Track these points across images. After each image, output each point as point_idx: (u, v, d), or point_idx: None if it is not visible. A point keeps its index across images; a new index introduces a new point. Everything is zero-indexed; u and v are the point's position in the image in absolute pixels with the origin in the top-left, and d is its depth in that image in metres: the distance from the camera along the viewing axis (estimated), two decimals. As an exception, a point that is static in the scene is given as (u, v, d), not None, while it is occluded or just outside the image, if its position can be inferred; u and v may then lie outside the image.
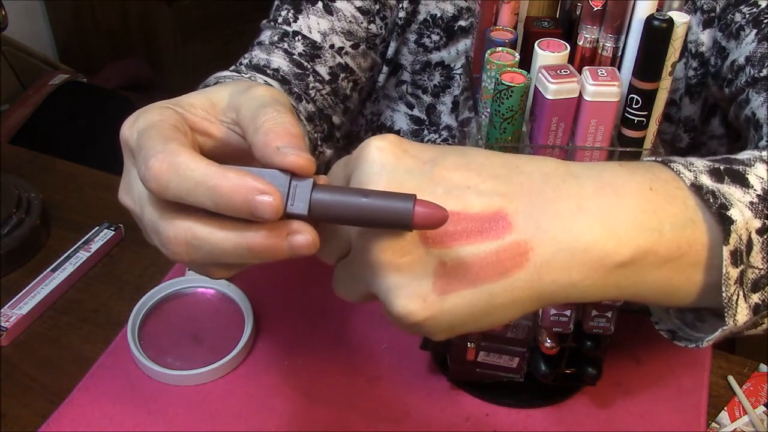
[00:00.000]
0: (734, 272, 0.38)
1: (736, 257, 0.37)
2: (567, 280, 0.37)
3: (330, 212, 0.36)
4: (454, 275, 0.37)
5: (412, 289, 0.36)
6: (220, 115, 0.43)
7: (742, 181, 0.40)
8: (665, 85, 0.51)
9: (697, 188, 0.38)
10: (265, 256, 0.37)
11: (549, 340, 0.59)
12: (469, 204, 0.37)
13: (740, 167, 0.40)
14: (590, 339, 0.60)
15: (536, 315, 0.59)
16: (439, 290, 0.37)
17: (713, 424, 0.65)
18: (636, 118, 0.51)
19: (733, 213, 0.37)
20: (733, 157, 0.42)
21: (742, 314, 0.39)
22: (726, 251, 0.37)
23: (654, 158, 0.41)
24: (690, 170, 0.39)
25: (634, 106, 0.51)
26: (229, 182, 0.35)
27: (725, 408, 0.66)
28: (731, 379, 0.68)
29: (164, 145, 0.37)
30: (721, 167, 0.40)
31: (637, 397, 0.66)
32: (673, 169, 0.39)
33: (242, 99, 0.41)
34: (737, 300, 0.38)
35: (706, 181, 0.39)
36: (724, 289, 0.38)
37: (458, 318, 0.37)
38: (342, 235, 0.39)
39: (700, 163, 0.40)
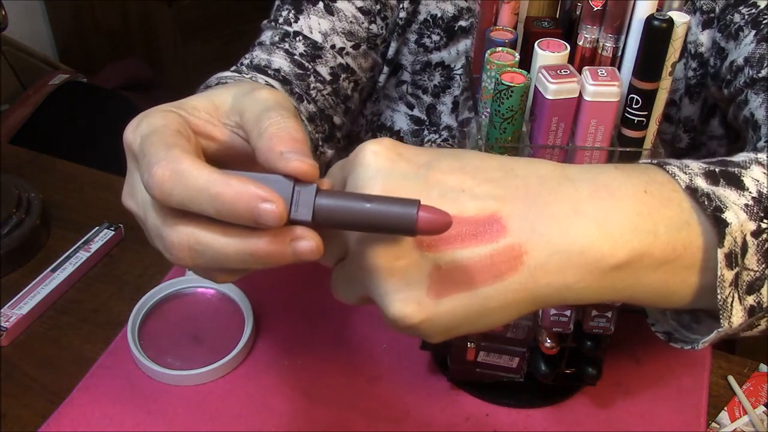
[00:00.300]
0: (729, 275, 0.38)
1: (731, 260, 0.38)
2: (562, 282, 0.37)
3: (333, 218, 0.36)
4: (448, 279, 0.37)
5: (407, 292, 0.37)
6: (224, 118, 0.43)
7: (737, 184, 0.40)
8: (665, 85, 0.51)
9: (692, 191, 0.38)
10: (269, 261, 0.37)
11: (549, 340, 0.59)
12: (463, 207, 0.37)
13: (736, 169, 0.41)
14: (590, 339, 0.60)
15: (536, 315, 0.59)
16: (433, 294, 0.37)
17: (713, 424, 0.65)
18: (636, 118, 0.51)
19: (728, 215, 0.38)
20: (728, 159, 0.42)
21: (737, 316, 0.39)
22: (721, 254, 0.37)
23: (650, 161, 0.41)
24: (685, 173, 0.39)
25: (634, 106, 0.51)
26: (232, 190, 0.35)
27: (725, 408, 0.66)
28: (731, 379, 0.68)
29: (167, 152, 0.37)
30: (717, 170, 0.40)
31: (637, 397, 0.66)
32: (668, 172, 0.40)
33: (246, 102, 0.41)
34: (732, 302, 0.38)
35: (701, 183, 0.39)
36: (719, 292, 0.38)
37: (453, 321, 0.38)
38: (340, 238, 0.39)
39: (696, 166, 0.40)
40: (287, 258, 0.36)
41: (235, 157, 0.43)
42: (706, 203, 0.38)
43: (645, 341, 0.70)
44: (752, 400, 0.66)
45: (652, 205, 0.38)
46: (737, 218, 0.38)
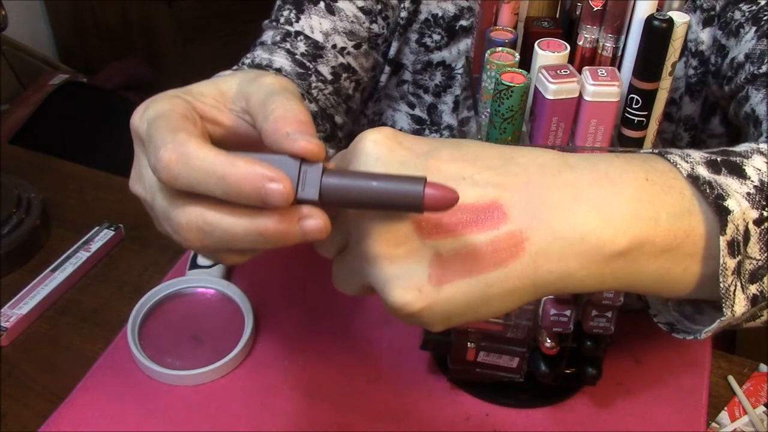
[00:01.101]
0: (731, 263, 0.38)
1: (734, 248, 0.38)
2: (563, 269, 0.37)
3: (340, 197, 0.36)
4: (449, 265, 0.37)
5: (407, 280, 0.37)
6: (230, 104, 0.43)
7: (739, 173, 0.40)
8: (665, 85, 0.51)
9: (693, 179, 0.38)
10: (277, 241, 0.37)
11: (549, 340, 0.59)
12: (464, 195, 0.37)
13: (737, 159, 0.41)
14: (590, 339, 0.60)
15: (536, 315, 0.59)
16: (434, 281, 0.37)
17: (713, 424, 0.65)
18: (636, 118, 0.51)
19: (729, 203, 0.38)
20: (730, 149, 0.42)
21: (740, 305, 0.39)
22: (723, 241, 0.37)
23: (651, 150, 0.41)
24: (687, 161, 0.39)
25: (634, 106, 0.51)
26: (239, 171, 0.35)
27: (725, 408, 0.66)
28: (731, 379, 0.68)
29: (173, 136, 0.37)
30: (719, 159, 0.40)
31: (637, 397, 0.66)
32: (669, 161, 0.40)
33: (252, 87, 0.41)
34: (735, 291, 0.38)
35: (703, 172, 0.39)
36: (721, 280, 0.38)
37: (455, 308, 0.37)
38: (340, 228, 0.39)
39: (697, 155, 0.40)
40: (295, 237, 0.37)
41: (241, 142, 0.43)
42: (707, 191, 0.38)
43: (645, 341, 0.70)
44: (752, 400, 0.66)
45: (653, 193, 0.38)
46: (739, 206, 0.38)
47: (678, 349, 0.70)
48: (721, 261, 0.37)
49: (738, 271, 0.38)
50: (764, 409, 0.66)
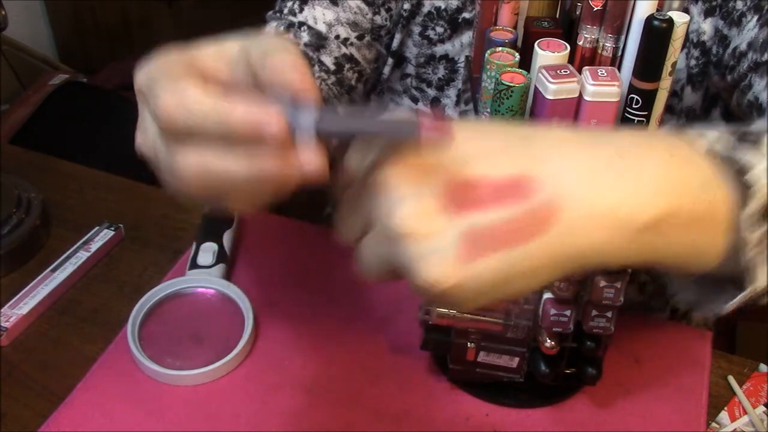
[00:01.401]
0: (756, 234, 0.38)
1: (758, 219, 0.38)
2: (590, 243, 0.37)
3: (336, 129, 0.37)
4: (478, 242, 0.37)
5: (437, 257, 0.36)
6: (232, 63, 0.43)
7: (757, 147, 0.41)
8: (665, 85, 0.51)
9: (714, 153, 0.39)
10: (277, 180, 0.37)
11: (549, 340, 0.59)
12: (489, 171, 0.37)
13: (754, 134, 0.42)
14: (590, 339, 0.60)
15: (536, 315, 0.59)
16: (463, 258, 0.36)
17: (713, 424, 0.65)
18: (636, 118, 0.51)
19: (751, 176, 0.39)
20: (744, 127, 0.43)
21: (763, 276, 0.40)
22: (746, 213, 0.38)
23: (668, 130, 0.42)
24: (706, 138, 0.41)
25: (634, 106, 0.51)
26: (237, 111, 0.36)
27: (725, 408, 0.66)
28: (731, 379, 0.68)
29: (173, 84, 0.38)
30: (735, 135, 0.41)
31: (637, 397, 0.66)
32: (689, 137, 0.41)
33: (252, 46, 0.42)
34: (759, 262, 0.39)
35: (722, 147, 0.40)
36: (745, 250, 0.39)
37: (484, 285, 0.37)
38: (362, 211, 0.39)
39: (715, 132, 0.41)
40: (294, 175, 0.37)
41: None
42: (729, 165, 0.39)
43: (645, 341, 0.70)
44: (752, 400, 0.66)
45: (679, 166, 0.39)
46: (761, 179, 0.39)
47: (678, 349, 0.70)
48: (744, 233, 0.38)
49: (762, 242, 0.39)
50: (764, 409, 0.66)
